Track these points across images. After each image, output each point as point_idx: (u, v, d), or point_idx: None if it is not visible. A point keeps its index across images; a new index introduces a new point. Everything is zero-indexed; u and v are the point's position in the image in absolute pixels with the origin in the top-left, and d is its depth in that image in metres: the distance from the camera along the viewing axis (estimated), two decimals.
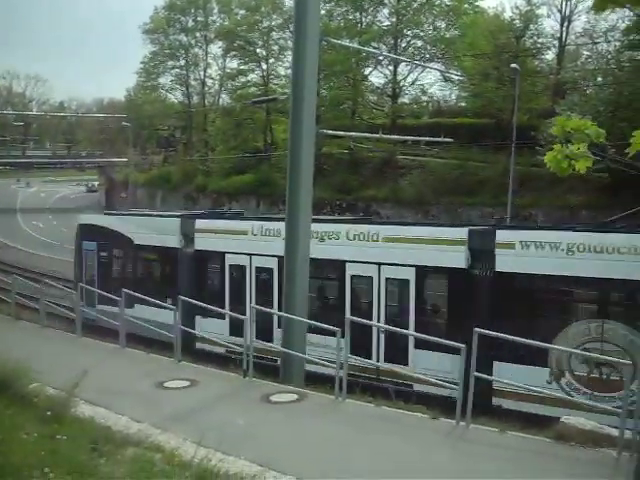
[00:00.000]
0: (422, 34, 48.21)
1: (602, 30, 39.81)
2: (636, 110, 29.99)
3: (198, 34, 65.63)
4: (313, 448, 9.16)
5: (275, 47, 55.95)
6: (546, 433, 9.79)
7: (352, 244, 17.96)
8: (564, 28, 43.81)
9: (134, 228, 24.04)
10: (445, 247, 16.33)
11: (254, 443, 9.07)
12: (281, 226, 17.60)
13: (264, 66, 56.21)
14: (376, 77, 52.33)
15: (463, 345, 10.49)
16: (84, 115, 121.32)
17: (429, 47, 48.53)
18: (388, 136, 28.37)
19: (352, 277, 18.01)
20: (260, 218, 22.79)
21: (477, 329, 10.45)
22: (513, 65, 35.00)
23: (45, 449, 7.19)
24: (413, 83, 49.61)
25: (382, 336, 17.06)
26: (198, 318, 20.17)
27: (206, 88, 65.93)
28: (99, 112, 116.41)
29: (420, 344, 15.84)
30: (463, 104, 52.15)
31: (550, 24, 46.24)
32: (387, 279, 17.36)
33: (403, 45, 48.56)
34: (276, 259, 18.30)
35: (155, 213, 28.91)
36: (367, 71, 50.43)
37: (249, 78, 58.04)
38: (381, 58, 47.68)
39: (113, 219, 26.17)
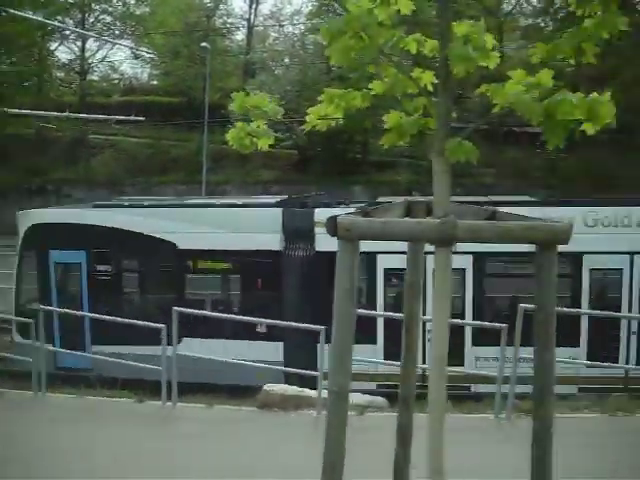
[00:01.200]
0: (111, 9, 46.81)
1: (288, 14, 42.04)
2: (319, 91, 31.99)
3: None
4: (9, 446, 8.57)
5: None
6: (250, 403, 10.18)
7: None
8: (252, 10, 45.29)
9: (178, 226, 16.73)
10: None
11: None
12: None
13: None
14: (64, 53, 49.90)
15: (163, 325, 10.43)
16: None
17: (119, 23, 47.26)
18: (76, 114, 27.21)
19: None
20: None
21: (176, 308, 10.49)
22: (203, 44, 35.45)
23: None
24: (103, 60, 48.04)
25: None
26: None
27: None
28: None
29: None
30: (155, 82, 51.71)
31: (239, 5, 47.70)
32: None
33: (91, 20, 46.77)
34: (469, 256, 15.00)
35: (219, 202, 19.49)
36: (53, 46, 47.90)
37: None
38: (68, 33, 45.55)
39: (123, 214, 17.66)
